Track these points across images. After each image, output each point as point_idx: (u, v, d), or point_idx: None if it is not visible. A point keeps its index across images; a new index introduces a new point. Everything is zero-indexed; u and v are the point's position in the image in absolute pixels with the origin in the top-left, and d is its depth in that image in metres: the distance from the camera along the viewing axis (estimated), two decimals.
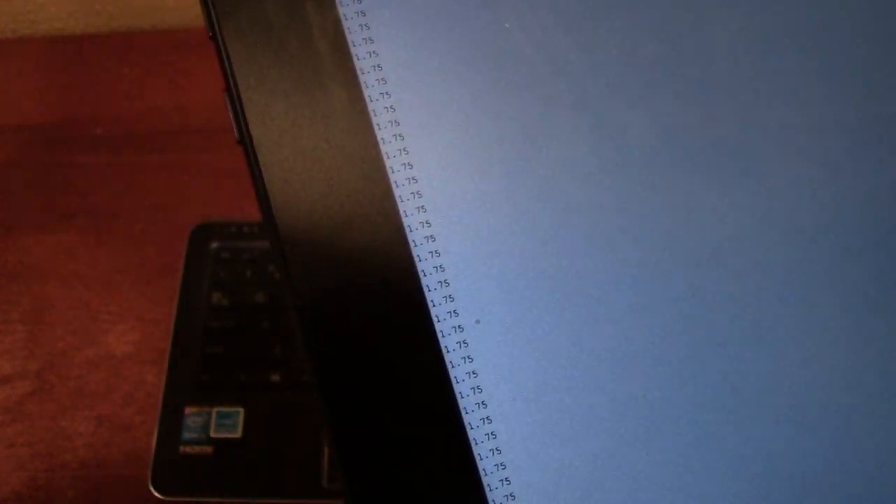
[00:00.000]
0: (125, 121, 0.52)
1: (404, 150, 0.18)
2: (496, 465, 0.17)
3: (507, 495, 0.17)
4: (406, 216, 0.18)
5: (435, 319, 0.18)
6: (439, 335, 0.18)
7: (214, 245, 0.46)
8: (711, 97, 0.20)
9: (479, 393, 0.18)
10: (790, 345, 0.19)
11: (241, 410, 0.41)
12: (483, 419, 0.17)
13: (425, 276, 0.18)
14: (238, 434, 0.40)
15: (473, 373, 0.18)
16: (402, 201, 0.18)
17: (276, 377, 0.42)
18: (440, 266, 0.18)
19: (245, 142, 0.18)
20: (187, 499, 0.39)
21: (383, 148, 0.18)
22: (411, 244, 0.18)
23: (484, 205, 0.18)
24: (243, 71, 0.18)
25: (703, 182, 0.19)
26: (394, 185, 0.18)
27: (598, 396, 0.18)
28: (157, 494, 0.39)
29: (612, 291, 0.18)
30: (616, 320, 0.18)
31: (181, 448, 0.40)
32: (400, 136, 0.18)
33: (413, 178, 0.18)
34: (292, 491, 0.39)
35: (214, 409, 0.41)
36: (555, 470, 0.18)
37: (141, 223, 0.48)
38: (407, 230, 0.18)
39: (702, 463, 0.18)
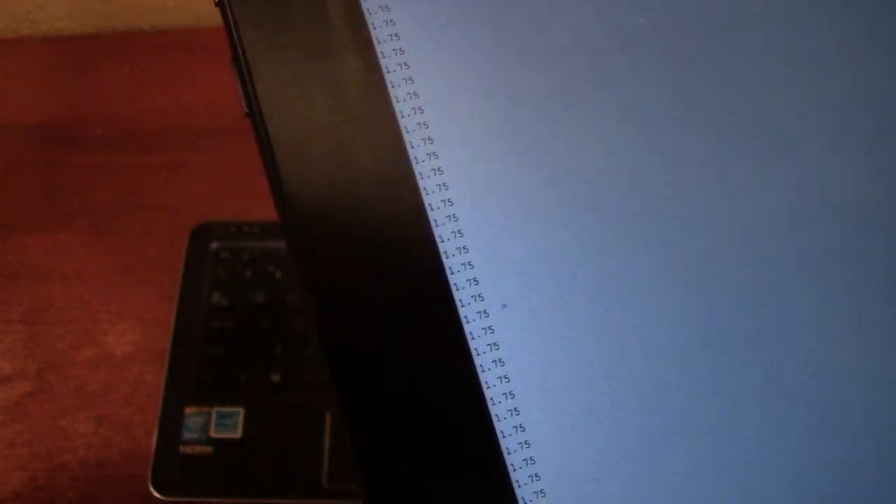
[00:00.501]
0: (125, 121, 0.52)
1: (424, 123, 0.17)
2: (525, 459, 0.16)
3: (536, 492, 0.16)
4: (427, 194, 0.17)
5: (459, 304, 0.17)
6: (463, 321, 0.17)
7: (214, 245, 0.45)
8: (740, 74, 0.19)
9: (507, 382, 0.16)
10: (822, 334, 0.18)
11: (241, 410, 0.40)
12: (511, 410, 0.16)
13: (448, 257, 0.17)
14: (238, 434, 0.40)
15: (500, 361, 0.17)
16: (422, 178, 0.17)
17: (276, 377, 0.42)
18: (464, 247, 0.17)
19: (254, 114, 0.17)
20: (187, 499, 0.39)
21: (402, 122, 0.17)
22: (432, 223, 0.17)
23: (508, 184, 0.17)
24: (251, 38, 0.17)
25: (730, 162, 0.18)
26: (413, 161, 0.17)
27: (629, 388, 0.17)
28: (157, 494, 0.38)
29: (640, 275, 0.18)
30: (646, 306, 0.17)
31: (181, 448, 0.39)
32: (419, 108, 0.17)
33: (434, 154, 0.17)
34: (292, 491, 0.39)
35: (214, 409, 0.40)
36: (587, 466, 0.16)
37: (141, 223, 0.47)
38: (428, 209, 0.17)
39: (735, 459, 0.17)
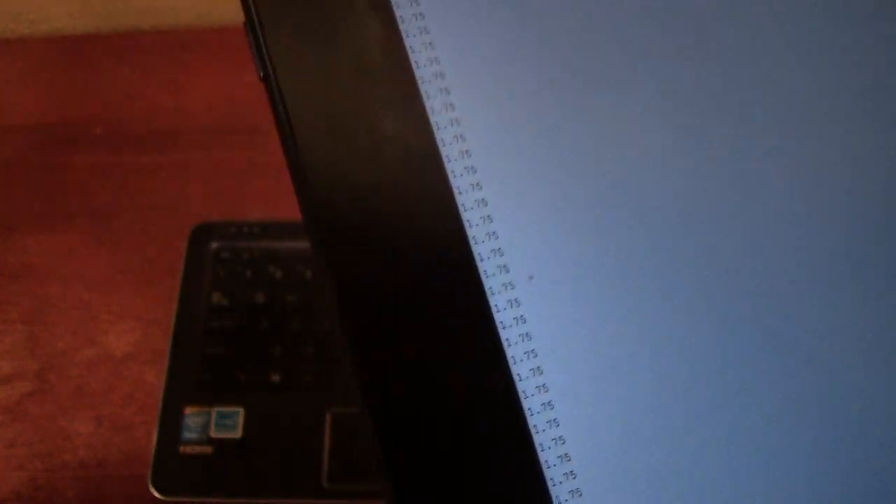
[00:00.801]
0: (125, 121, 0.51)
1: (446, 90, 0.17)
2: (554, 439, 0.16)
3: (566, 473, 0.16)
4: (449, 161, 0.16)
5: (483, 275, 0.16)
6: (488, 293, 0.16)
7: (214, 245, 0.45)
8: (752, 69, 0.19)
9: (534, 358, 0.16)
10: (826, 333, 0.18)
11: (241, 410, 0.40)
12: (539, 387, 0.16)
13: (471, 227, 0.16)
14: (238, 434, 0.40)
15: (527, 335, 0.16)
16: (444, 145, 0.16)
17: (276, 377, 0.41)
18: (487, 217, 0.16)
19: (268, 77, 0.16)
20: (187, 499, 0.38)
21: (422, 87, 0.16)
22: (455, 192, 0.16)
23: (532, 154, 0.17)
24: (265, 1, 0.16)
25: (742, 153, 0.18)
26: (434, 128, 0.16)
27: (662, 367, 0.16)
28: (157, 494, 0.38)
29: (652, 262, 0.17)
30: (658, 294, 0.17)
31: (181, 448, 0.39)
32: (441, 74, 0.17)
33: (456, 120, 0.16)
34: (292, 491, 0.38)
35: (214, 409, 0.40)
36: (617, 443, 0.16)
37: (141, 223, 0.47)
38: (450, 175, 0.16)
39: (753, 453, 0.17)
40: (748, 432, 0.17)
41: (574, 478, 0.16)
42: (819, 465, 0.17)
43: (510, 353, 0.16)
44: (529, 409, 0.16)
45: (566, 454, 0.16)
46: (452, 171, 0.16)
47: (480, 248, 0.16)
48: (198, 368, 0.41)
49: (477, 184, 0.16)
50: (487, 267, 0.16)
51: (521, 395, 0.16)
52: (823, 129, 0.19)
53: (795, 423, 0.17)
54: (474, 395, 0.16)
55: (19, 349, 0.43)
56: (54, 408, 0.41)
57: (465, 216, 0.16)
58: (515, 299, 0.16)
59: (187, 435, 0.39)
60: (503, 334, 0.16)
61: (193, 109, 0.51)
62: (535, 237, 0.16)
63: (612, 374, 0.16)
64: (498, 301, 0.16)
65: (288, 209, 0.49)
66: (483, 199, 0.16)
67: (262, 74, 0.16)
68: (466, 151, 0.16)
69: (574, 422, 0.16)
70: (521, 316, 0.16)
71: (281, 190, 0.49)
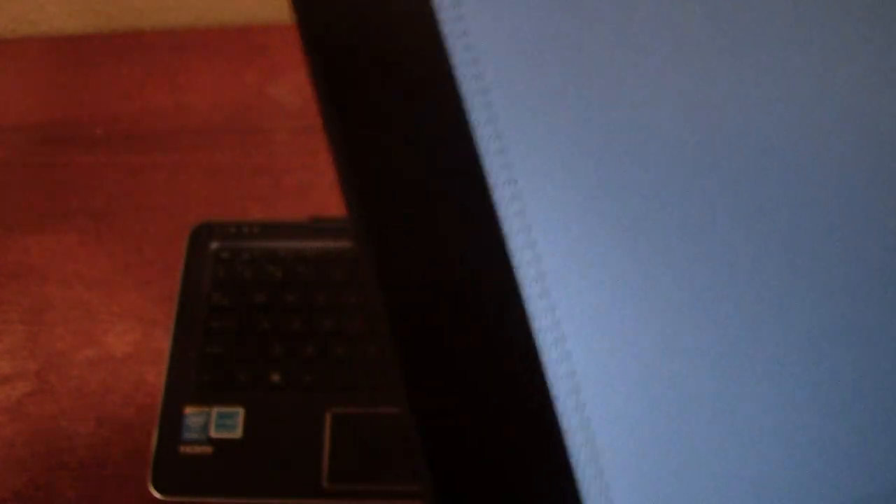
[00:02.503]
0: (125, 121, 0.51)
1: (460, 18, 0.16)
2: (560, 356, 0.15)
3: (571, 389, 0.15)
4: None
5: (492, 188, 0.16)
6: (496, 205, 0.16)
7: (214, 245, 0.45)
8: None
9: (538, 262, 0.16)
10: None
11: (241, 410, 0.40)
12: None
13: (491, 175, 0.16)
14: (238, 434, 0.40)
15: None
16: (461, 81, 0.16)
17: (276, 377, 0.41)
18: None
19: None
20: (187, 499, 0.38)
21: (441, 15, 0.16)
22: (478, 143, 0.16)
23: (548, 73, 0.17)
24: None
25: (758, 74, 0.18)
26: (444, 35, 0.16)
27: (681, 311, 0.16)
28: (156, 494, 0.38)
29: (680, 181, 0.17)
30: (689, 223, 0.17)
31: (181, 448, 0.39)
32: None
33: (465, 32, 0.16)
34: (292, 491, 0.38)
35: (214, 409, 0.40)
36: (626, 380, 0.16)
37: (141, 223, 0.47)
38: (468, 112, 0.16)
39: (796, 419, 0.16)
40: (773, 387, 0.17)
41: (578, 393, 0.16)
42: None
43: (513, 248, 0.16)
44: (539, 328, 0.16)
45: (573, 371, 0.16)
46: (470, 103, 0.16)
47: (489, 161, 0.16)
48: (198, 368, 0.41)
49: (488, 104, 0.17)
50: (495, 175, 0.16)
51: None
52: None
53: (830, 406, 0.17)
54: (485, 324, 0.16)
55: (19, 349, 0.43)
56: (54, 408, 0.41)
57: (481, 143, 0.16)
58: (522, 211, 0.16)
59: (187, 435, 0.39)
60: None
61: (193, 109, 0.51)
62: (537, 149, 0.16)
63: (624, 291, 0.16)
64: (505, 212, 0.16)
65: (287, 209, 0.49)
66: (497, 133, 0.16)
67: None
68: (484, 89, 0.16)
69: (583, 347, 0.16)
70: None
71: (281, 190, 0.49)
